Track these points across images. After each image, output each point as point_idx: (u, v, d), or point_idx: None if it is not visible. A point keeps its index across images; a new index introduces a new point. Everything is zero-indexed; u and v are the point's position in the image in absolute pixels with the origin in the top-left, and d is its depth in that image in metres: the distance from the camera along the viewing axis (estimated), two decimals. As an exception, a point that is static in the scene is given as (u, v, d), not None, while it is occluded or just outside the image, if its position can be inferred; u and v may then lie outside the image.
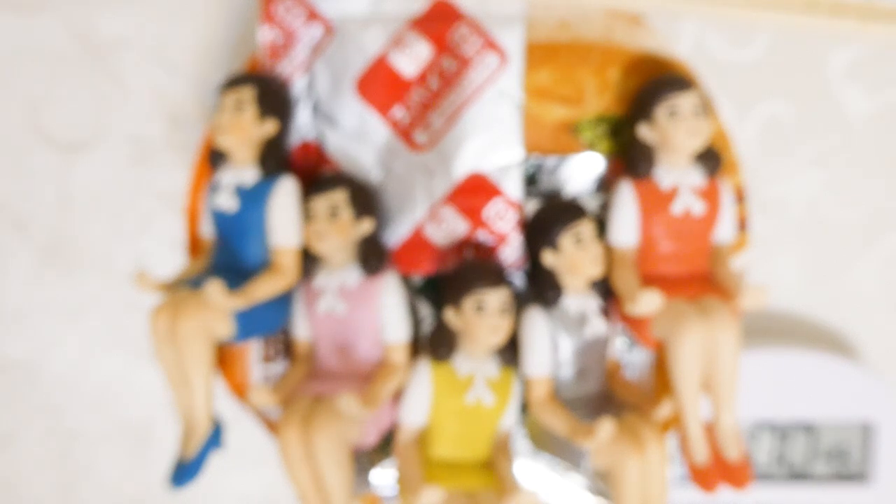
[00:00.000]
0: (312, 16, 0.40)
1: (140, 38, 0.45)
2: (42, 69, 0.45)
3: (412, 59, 0.39)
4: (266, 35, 0.40)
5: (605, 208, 0.40)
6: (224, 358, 0.41)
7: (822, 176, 0.45)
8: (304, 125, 0.40)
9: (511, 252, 0.40)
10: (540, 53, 0.40)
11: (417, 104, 0.39)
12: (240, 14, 0.45)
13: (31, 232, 0.46)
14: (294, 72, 0.40)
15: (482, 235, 0.40)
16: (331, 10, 0.40)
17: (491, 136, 0.39)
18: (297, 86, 0.40)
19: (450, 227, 0.40)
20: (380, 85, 0.39)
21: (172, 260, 0.45)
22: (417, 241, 0.40)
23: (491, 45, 0.39)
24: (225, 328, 0.37)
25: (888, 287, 0.46)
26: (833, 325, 0.47)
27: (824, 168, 0.45)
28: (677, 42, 0.44)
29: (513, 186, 0.39)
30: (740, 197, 0.41)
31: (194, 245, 0.41)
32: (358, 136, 0.40)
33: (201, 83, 0.45)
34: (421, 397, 0.38)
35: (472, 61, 0.39)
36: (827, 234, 0.45)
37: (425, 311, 0.41)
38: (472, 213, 0.39)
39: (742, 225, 0.41)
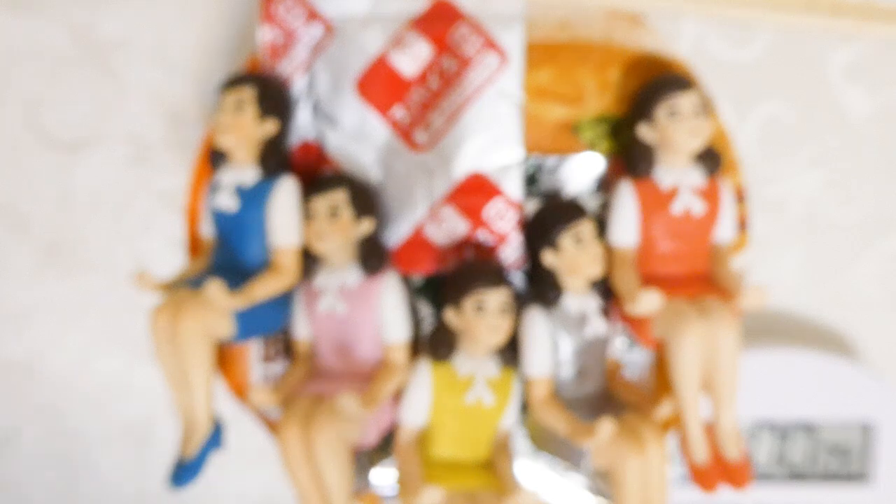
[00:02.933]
0: (312, 15, 0.40)
1: (140, 38, 0.45)
2: (42, 69, 0.45)
3: (412, 58, 0.39)
4: (266, 35, 0.40)
5: (605, 208, 0.40)
6: (224, 358, 0.41)
7: (822, 176, 0.45)
8: (304, 125, 0.40)
9: (511, 252, 0.40)
10: (540, 53, 0.40)
11: (417, 104, 0.39)
12: (240, 14, 0.45)
13: (31, 232, 0.46)
14: (294, 71, 0.40)
15: (482, 235, 0.40)
16: (331, 9, 0.40)
17: (491, 136, 0.39)
18: (298, 85, 0.40)
19: (450, 227, 0.40)
20: (380, 85, 0.39)
21: (172, 260, 0.45)
22: (417, 241, 0.40)
23: (491, 44, 0.39)
24: (225, 328, 0.37)
25: (888, 287, 0.46)
26: (833, 325, 0.47)
27: (824, 168, 0.45)
28: (677, 42, 0.44)
29: (513, 186, 0.39)
30: (740, 197, 0.41)
31: (194, 245, 0.41)
32: (358, 136, 0.40)
33: (201, 83, 0.45)
34: (421, 397, 0.38)
35: (472, 61, 0.39)
36: (827, 234, 0.45)
37: (425, 311, 0.41)
38: (473, 213, 0.39)
39: (742, 225, 0.41)
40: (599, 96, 0.41)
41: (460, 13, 0.39)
